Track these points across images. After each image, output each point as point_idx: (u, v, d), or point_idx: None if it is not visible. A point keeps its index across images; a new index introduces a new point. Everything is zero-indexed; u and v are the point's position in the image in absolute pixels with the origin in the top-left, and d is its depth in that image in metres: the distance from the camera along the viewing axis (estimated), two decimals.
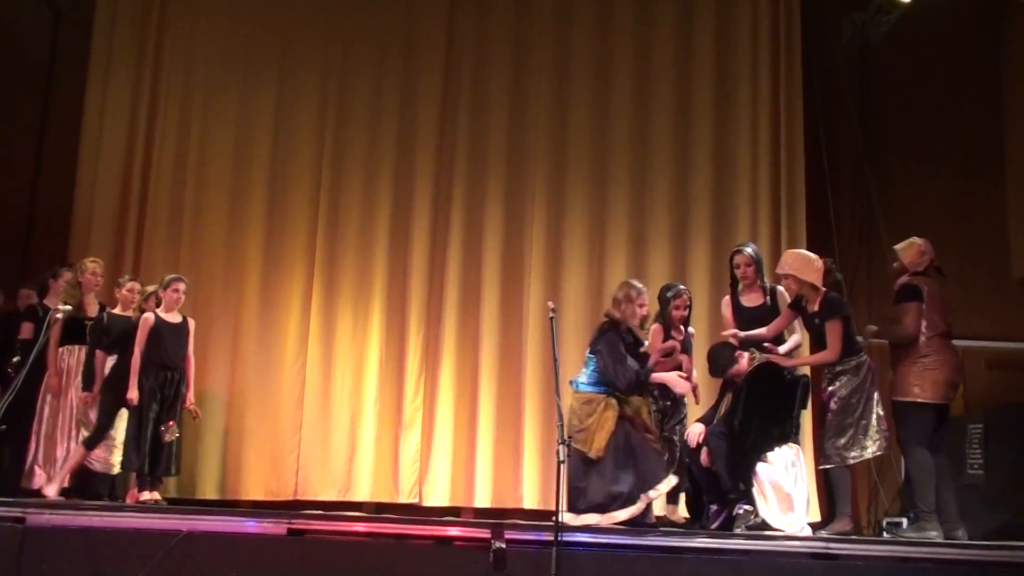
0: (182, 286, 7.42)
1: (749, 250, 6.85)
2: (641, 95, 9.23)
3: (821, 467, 6.55)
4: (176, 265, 8.73)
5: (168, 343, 7.30)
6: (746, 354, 6.53)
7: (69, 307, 6.81)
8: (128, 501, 7.30)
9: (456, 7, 9.35)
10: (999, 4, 9.09)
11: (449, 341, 8.83)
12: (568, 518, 5.97)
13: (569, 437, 5.16)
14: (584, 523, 6.02)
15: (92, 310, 7.64)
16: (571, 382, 6.65)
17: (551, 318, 5.56)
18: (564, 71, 9.28)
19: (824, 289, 6.52)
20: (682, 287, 6.88)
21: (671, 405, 6.78)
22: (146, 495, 7.16)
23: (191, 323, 7.54)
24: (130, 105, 9.10)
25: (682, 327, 6.85)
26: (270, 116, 9.19)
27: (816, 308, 6.51)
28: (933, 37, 9.46)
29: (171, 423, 7.22)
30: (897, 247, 6.86)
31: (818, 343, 6.58)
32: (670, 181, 9.10)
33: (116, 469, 7.51)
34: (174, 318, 7.41)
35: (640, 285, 6.68)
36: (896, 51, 9.50)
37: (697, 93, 9.22)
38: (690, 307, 6.87)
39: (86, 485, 7.64)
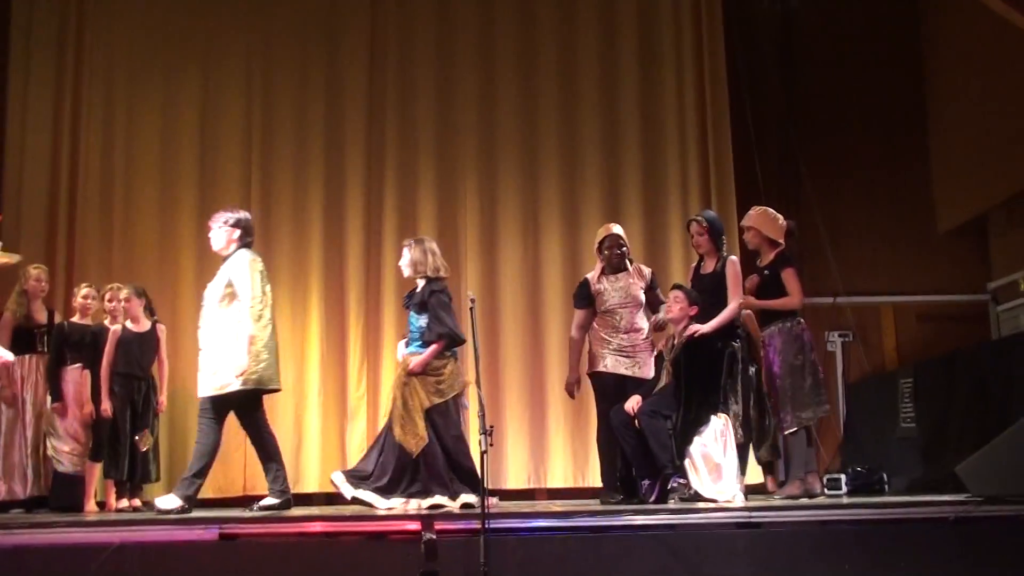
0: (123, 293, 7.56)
1: (701, 218, 6.90)
2: (566, 71, 9.30)
3: (786, 432, 6.62)
4: (109, 264, 8.74)
5: (135, 353, 7.44)
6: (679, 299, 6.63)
7: None
8: (107, 509, 7.40)
9: None
10: None
11: (389, 329, 8.83)
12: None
13: (491, 427, 5.18)
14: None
15: (40, 317, 7.57)
16: None
17: (471, 308, 5.59)
18: (489, 53, 9.33)
19: (782, 244, 6.70)
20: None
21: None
22: (124, 502, 7.39)
23: (161, 329, 7.69)
24: (53, 102, 8.93)
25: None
26: (196, 109, 9.10)
27: (770, 260, 6.69)
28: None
29: (145, 432, 7.41)
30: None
31: (765, 296, 6.69)
32: (599, 154, 9.21)
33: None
34: (141, 327, 7.52)
35: None
36: (816, 14, 9.60)
37: (622, 66, 9.32)
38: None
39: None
